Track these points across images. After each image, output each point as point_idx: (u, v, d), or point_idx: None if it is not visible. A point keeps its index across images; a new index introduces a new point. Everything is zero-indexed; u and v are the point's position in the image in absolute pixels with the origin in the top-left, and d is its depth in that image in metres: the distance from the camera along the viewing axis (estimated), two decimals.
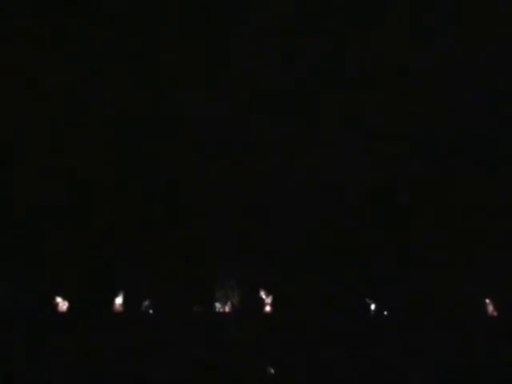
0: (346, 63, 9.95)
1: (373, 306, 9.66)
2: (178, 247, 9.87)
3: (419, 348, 8.80)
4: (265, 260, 9.79)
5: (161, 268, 9.76)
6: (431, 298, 9.36)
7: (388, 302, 9.62)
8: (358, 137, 10.04)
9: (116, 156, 9.98)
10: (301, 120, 10.03)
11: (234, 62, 10.00)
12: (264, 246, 9.85)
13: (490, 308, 9.45)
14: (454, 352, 8.74)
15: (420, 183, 10.02)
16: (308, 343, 8.92)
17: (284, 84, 10.06)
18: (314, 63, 9.98)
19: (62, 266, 9.58)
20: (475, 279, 9.44)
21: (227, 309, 9.77)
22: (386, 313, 9.63)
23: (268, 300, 9.73)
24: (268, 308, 9.70)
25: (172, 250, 9.85)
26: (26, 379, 8.41)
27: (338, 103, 10.04)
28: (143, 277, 9.72)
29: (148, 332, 9.10)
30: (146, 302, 9.67)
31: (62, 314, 9.45)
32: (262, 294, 9.76)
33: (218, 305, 9.79)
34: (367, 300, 9.67)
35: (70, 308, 9.48)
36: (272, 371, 8.77)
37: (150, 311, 9.66)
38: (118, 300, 9.58)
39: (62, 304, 9.49)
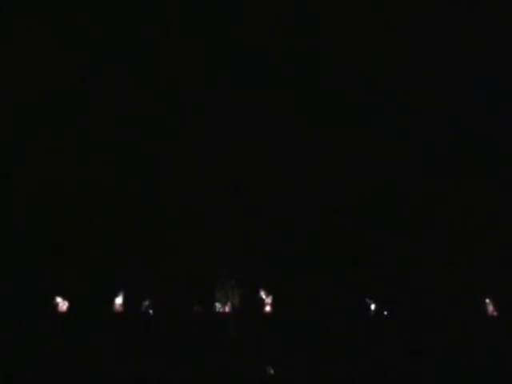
0: (346, 63, 9.94)
1: (373, 306, 9.66)
2: (177, 247, 9.87)
3: (419, 348, 8.79)
4: (265, 260, 9.78)
5: (161, 268, 9.76)
6: (431, 297, 9.36)
7: (388, 302, 9.62)
8: (358, 137, 10.04)
9: (116, 156, 9.98)
10: (301, 120, 10.03)
11: (234, 62, 10.01)
12: (264, 245, 9.85)
13: (490, 308, 9.45)
14: (454, 352, 8.73)
15: (420, 183, 10.02)
16: (308, 343, 8.92)
17: (284, 84, 10.06)
18: (314, 63, 9.98)
19: (62, 266, 9.58)
20: (475, 279, 9.44)
21: (227, 309, 9.77)
22: (386, 313, 9.62)
23: (268, 300, 9.72)
24: (268, 308, 9.70)
25: (172, 249, 9.85)
26: (26, 379, 8.40)
27: (337, 103, 10.05)
28: (143, 277, 9.72)
29: (148, 332, 9.09)
30: (146, 302, 9.67)
31: (62, 313, 9.44)
32: (262, 294, 9.76)
33: (218, 305, 9.79)
34: (367, 300, 9.67)
35: (69, 308, 9.48)
36: (272, 371, 8.77)
37: (150, 311, 9.66)
38: (118, 300, 9.58)
39: (62, 304, 9.49)
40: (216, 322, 9.48)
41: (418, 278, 9.54)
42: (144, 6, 9.73)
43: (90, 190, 9.92)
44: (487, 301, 9.47)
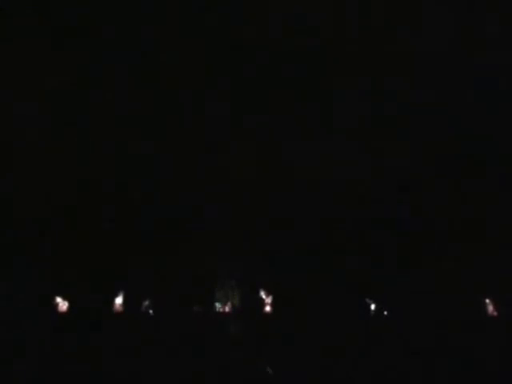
0: (346, 63, 9.95)
1: (373, 306, 9.66)
2: (177, 247, 9.87)
3: (419, 348, 8.79)
4: (265, 260, 9.79)
5: (161, 268, 9.76)
6: (431, 297, 9.36)
7: (388, 302, 9.62)
8: (358, 137, 10.04)
9: (116, 156, 9.98)
10: (301, 120, 10.03)
11: (233, 63, 10.01)
12: (264, 245, 9.85)
13: (490, 308, 9.45)
14: (454, 352, 8.73)
15: (420, 183, 10.02)
16: (308, 343, 8.91)
17: (284, 84, 10.06)
18: (314, 63, 9.99)
19: (62, 266, 9.58)
20: (475, 279, 9.44)
21: (227, 309, 9.77)
22: (386, 313, 9.62)
23: (268, 300, 9.72)
24: (268, 308, 9.70)
25: (172, 249, 9.85)
26: (26, 379, 8.40)
27: (337, 103, 10.05)
28: (143, 277, 9.72)
29: (148, 332, 9.09)
30: (146, 302, 9.67)
31: (62, 313, 9.44)
32: (262, 294, 9.75)
33: (218, 305, 9.79)
34: (367, 300, 9.67)
35: (69, 308, 9.48)
36: (272, 371, 8.76)
37: (150, 311, 9.66)
38: (118, 300, 9.58)
39: (62, 304, 9.49)
40: (216, 322, 9.47)
41: (417, 278, 9.54)
42: (144, 6, 9.73)
43: (90, 190, 9.92)
44: (487, 301, 9.47)
